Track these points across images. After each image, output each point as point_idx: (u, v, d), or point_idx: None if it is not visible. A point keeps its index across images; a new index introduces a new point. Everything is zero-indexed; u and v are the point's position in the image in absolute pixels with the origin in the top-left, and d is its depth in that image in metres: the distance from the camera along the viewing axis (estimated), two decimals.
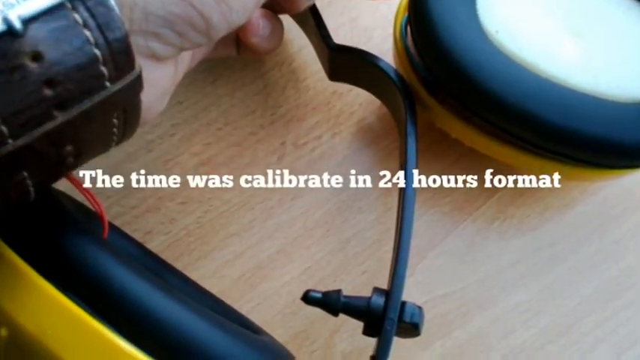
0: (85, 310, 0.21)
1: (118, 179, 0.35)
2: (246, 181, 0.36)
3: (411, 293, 0.27)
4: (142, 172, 0.35)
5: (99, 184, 0.34)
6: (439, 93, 0.31)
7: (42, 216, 0.22)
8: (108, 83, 0.19)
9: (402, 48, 0.33)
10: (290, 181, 0.36)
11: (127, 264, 0.22)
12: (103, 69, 0.18)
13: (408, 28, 0.32)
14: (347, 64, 0.34)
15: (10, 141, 0.17)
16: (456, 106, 0.31)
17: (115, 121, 0.21)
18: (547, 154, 0.30)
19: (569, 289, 0.35)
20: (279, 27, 0.32)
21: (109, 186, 0.35)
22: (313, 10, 0.33)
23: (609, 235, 0.36)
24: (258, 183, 0.36)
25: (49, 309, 0.20)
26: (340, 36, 0.33)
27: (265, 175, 0.36)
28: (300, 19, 0.36)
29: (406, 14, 0.33)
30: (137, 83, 0.20)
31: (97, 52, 0.18)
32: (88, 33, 0.18)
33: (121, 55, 0.19)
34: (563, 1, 0.32)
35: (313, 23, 0.33)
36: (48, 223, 0.22)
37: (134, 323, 0.21)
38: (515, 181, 0.36)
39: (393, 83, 0.32)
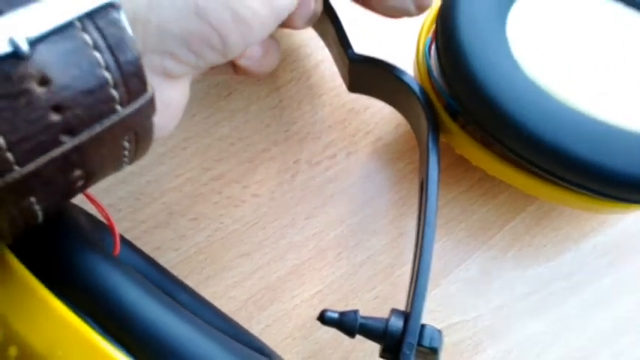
0: (96, 330, 0.20)
1: (127, 192, 0.35)
2: (259, 200, 0.36)
3: (424, 320, 0.26)
4: (153, 185, 0.35)
5: (109, 197, 0.34)
6: (461, 118, 0.31)
7: (55, 233, 0.22)
8: (119, 107, 0.18)
9: (424, 69, 0.32)
10: (303, 201, 0.36)
11: (139, 283, 0.22)
12: (114, 92, 0.18)
13: (432, 50, 0.32)
14: (368, 75, 0.33)
15: (16, 168, 0.16)
16: (478, 132, 0.30)
17: (125, 144, 0.20)
18: (570, 186, 0.30)
19: (584, 321, 0.35)
20: (273, 48, 0.31)
21: (119, 199, 0.34)
22: (334, 20, 0.32)
23: (627, 267, 0.36)
24: (271, 201, 0.36)
25: (60, 328, 0.20)
26: (360, 48, 0.32)
27: (278, 193, 0.36)
28: (320, 29, 0.36)
29: (429, 36, 0.32)
30: (149, 105, 0.19)
31: (108, 75, 0.17)
32: (98, 55, 0.17)
33: (133, 78, 0.18)
34: (594, 30, 0.32)
35: (334, 33, 0.33)
36: (59, 238, 0.22)
37: (144, 344, 0.21)
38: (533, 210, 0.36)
39: (416, 99, 0.31)
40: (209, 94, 0.37)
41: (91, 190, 0.34)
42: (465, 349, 0.34)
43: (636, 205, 0.31)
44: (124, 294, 0.21)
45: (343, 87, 0.36)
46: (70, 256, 0.21)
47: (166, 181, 0.35)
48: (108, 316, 0.21)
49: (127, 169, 0.34)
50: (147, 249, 0.32)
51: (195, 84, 0.36)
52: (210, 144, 0.36)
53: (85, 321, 0.20)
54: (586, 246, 0.36)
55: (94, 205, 0.25)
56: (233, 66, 0.30)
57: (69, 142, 0.17)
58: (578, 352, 0.34)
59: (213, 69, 0.30)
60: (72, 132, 0.17)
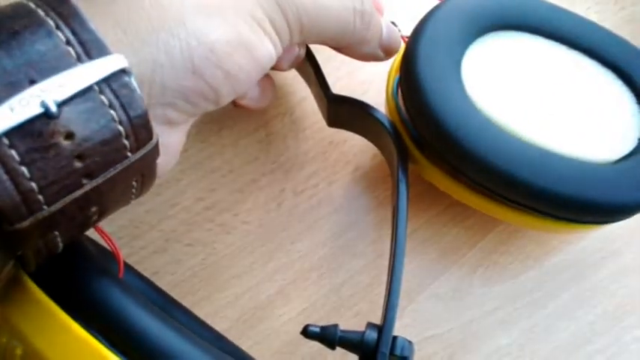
0: (105, 345, 0.23)
1: (128, 221, 0.37)
2: (248, 226, 0.38)
3: (400, 333, 0.28)
4: (151, 214, 0.37)
5: (110, 226, 0.36)
6: (426, 150, 0.34)
7: (67, 258, 0.24)
8: (129, 154, 0.21)
9: (393, 106, 0.35)
10: (289, 227, 0.38)
11: (143, 304, 0.24)
12: (126, 142, 0.21)
13: (399, 89, 0.34)
14: (344, 112, 0.36)
15: (45, 207, 0.19)
16: (441, 162, 0.33)
17: (134, 183, 0.23)
18: (526, 210, 0.32)
19: (548, 333, 0.37)
20: (268, 87, 0.35)
21: (120, 227, 0.37)
22: (313, 63, 0.35)
23: (586, 282, 0.38)
24: (259, 227, 0.38)
25: (73, 344, 0.23)
26: (338, 88, 0.35)
27: (266, 220, 0.38)
28: (302, 70, 0.39)
29: (398, 75, 0.35)
30: (154, 151, 0.23)
31: (121, 128, 0.21)
32: (112, 112, 0.20)
33: (141, 129, 0.21)
34: (541, 70, 0.35)
35: (314, 75, 0.35)
36: (72, 264, 0.25)
37: (146, 356, 0.23)
38: (499, 231, 0.39)
39: (387, 133, 0.34)
40: (202, 129, 0.40)
41: None
42: None
43: (589, 226, 0.34)
44: (131, 314, 0.24)
45: (324, 122, 0.38)
46: (82, 280, 0.24)
47: (163, 210, 0.38)
48: (117, 334, 0.23)
49: None
50: (146, 273, 0.34)
51: None
52: (204, 175, 0.39)
53: (96, 338, 0.23)
54: (548, 264, 0.39)
55: (99, 234, 0.27)
56: (234, 103, 0.33)
57: (88, 185, 0.20)
58: None
59: None
60: (91, 176, 0.20)
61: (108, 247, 0.29)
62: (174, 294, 0.34)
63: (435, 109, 0.31)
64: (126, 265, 0.31)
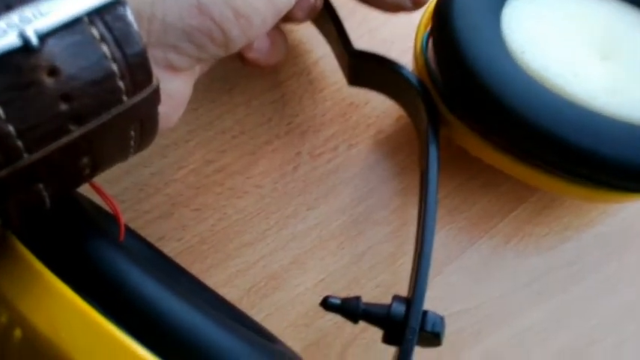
0: (100, 311, 0.20)
1: (132, 183, 0.35)
2: (261, 190, 0.36)
3: (426, 307, 0.26)
4: (157, 176, 0.36)
5: (113, 189, 0.35)
6: (459, 109, 0.31)
7: (59, 217, 0.22)
8: (125, 97, 0.19)
9: (422, 63, 0.33)
10: (305, 192, 0.36)
11: (143, 267, 0.22)
12: (120, 83, 0.18)
13: (429, 44, 0.32)
14: (367, 69, 0.34)
15: (25, 155, 0.17)
16: (475, 123, 0.31)
17: (132, 133, 0.21)
18: (567, 175, 0.30)
19: (587, 309, 0.35)
20: (279, 41, 0.32)
21: (123, 190, 0.35)
22: (333, 16, 0.33)
23: (628, 256, 0.36)
24: (273, 192, 0.36)
25: (64, 310, 0.20)
26: (358, 47, 0.33)
27: (280, 184, 0.36)
28: (320, 25, 0.36)
29: (427, 30, 0.33)
30: (154, 96, 0.20)
31: (114, 66, 0.18)
32: (105, 48, 0.18)
33: (138, 70, 0.19)
34: (589, 24, 0.32)
35: (334, 29, 0.33)
36: (65, 224, 0.22)
37: (148, 326, 0.21)
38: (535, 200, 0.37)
39: (415, 91, 0.32)
40: (212, 88, 0.38)
41: (95, 181, 0.34)
42: (467, 337, 0.34)
43: (631, 195, 0.31)
44: (128, 276, 0.21)
45: (343, 82, 0.37)
46: (74, 240, 0.22)
47: (170, 172, 0.36)
48: (112, 299, 0.21)
49: (131, 161, 0.34)
50: (151, 239, 0.32)
51: (198, 78, 0.37)
52: (213, 137, 0.37)
53: (90, 303, 0.20)
54: (587, 235, 0.36)
55: (98, 193, 0.25)
56: (242, 58, 0.31)
57: (77, 131, 0.18)
58: (581, 339, 0.34)
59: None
60: (80, 120, 0.18)
61: (109, 210, 0.26)
62: (181, 261, 0.32)
63: (470, 62, 0.29)
64: (128, 229, 0.30)
